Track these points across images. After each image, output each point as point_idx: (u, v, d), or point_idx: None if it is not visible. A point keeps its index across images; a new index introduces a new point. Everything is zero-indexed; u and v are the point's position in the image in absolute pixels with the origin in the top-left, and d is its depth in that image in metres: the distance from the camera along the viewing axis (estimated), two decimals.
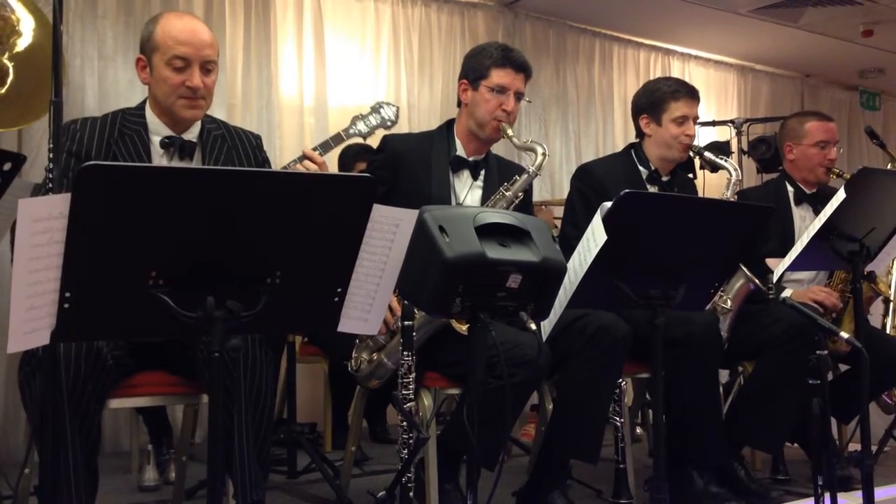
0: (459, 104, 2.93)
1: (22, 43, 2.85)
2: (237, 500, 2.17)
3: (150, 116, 2.44)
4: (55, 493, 2.03)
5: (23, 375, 2.15)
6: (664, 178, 3.23)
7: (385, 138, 2.93)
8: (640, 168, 3.22)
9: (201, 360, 2.23)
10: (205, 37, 2.40)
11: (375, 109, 2.89)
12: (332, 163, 4.46)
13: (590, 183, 3.10)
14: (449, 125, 2.96)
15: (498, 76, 2.82)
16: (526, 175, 2.81)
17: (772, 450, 3.31)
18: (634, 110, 3.28)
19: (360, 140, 2.93)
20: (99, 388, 2.15)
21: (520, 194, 2.80)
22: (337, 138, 2.80)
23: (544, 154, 2.81)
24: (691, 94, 3.21)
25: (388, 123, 2.89)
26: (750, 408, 3.13)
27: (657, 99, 3.19)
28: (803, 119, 3.64)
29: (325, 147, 2.76)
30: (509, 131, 2.84)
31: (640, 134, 3.27)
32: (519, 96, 2.86)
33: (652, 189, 3.18)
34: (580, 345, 2.69)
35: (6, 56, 2.79)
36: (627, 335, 2.71)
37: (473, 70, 2.87)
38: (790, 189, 3.57)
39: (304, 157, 2.59)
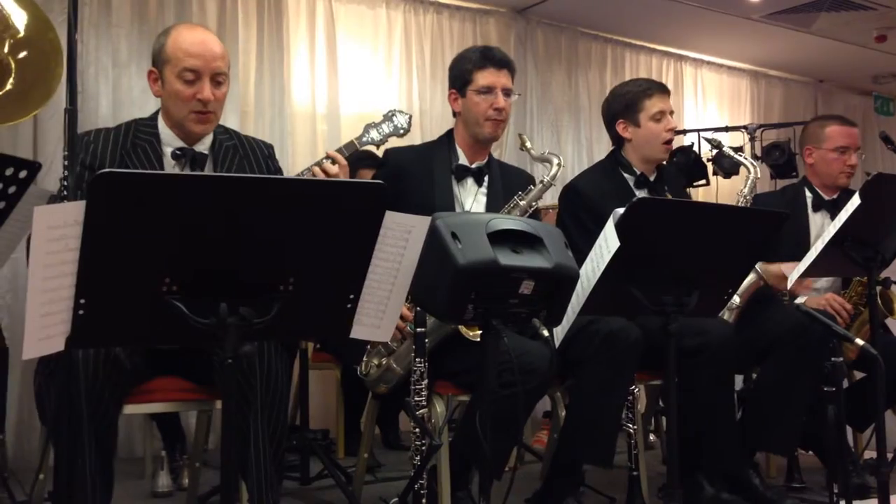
0: (455, 114, 2.95)
1: (17, 37, 2.86)
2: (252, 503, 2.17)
3: (163, 127, 2.46)
4: (70, 497, 2.03)
5: (40, 379, 2.16)
6: (652, 179, 3.19)
7: (387, 152, 2.95)
8: (626, 175, 3.17)
9: (217, 364, 2.24)
10: (215, 49, 2.41)
11: (388, 117, 2.90)
12: None
13: (579, 202, 3.06)
14: (449, 134, 2.98)
15: (482, 77, 2.84)
16: (541, 185, 2.84)
17: (785, 451, 3.29)
18: (608, 118, 3.24)
19: (372, 147, 2.94)
20: (117, 393, 2.16)
21: (534, 204, 2.82)
22: (350, 146, 2.81)
23: (559, 165, 2.86)
24: (662, 89, 3.19)
25: (401, 131, 2.89)
26: (761, 409, 3.11)
27: (630, 101, 3.16)
28: (825, 123, 3.59)
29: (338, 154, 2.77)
30: (528, 143, 2.90)
31: (617, 140, 3.23)
32: (507, 92, 2.86)
33: (641, 193, 3.13)
34: (592, 349, 2.68)
35: (6, 48, 2.79)
36: (638, 339, 2.70)
37: (458, 78, 2.90)
38: (808, 195, 3.54)
39: (328, 157, 2.59)
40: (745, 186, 3.20)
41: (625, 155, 3.20)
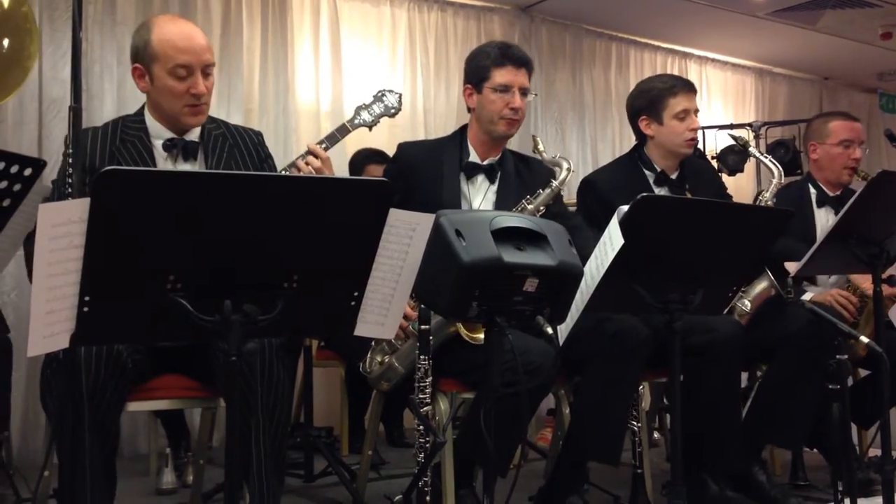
0: (469, 110, 2.91)
1: None
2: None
3: (150, 121, 2.45)
4: (74, 494, 2.04)
5: (46, 377, 2.17)
6: (673, 177, 3.18)
7: (400, 146, 2.93)
8: (647, 172, 3.15)
9: (219, 364, 2.24)
10: (202, 41, 2.41)
11: (378, 98, 2.87)
12: (341, 163, 4.50)
13: (595, 197, 3.04)
14: (462, 131, 2.94)
15: (499, 75, 2.80)
16: (549, 190, 2.80)
17: (791, 447, 3.28)
18: (631, 113, 3.22)
19: (364, 129, 2.91)
20: (118, 392, 2.16)
21: (541, 208, 2.78)
22: (342, 129, 2.79)
23: (569, 170, 2.83)
24: (688, 87, 3.16)
25: (392, 111, 2.86)
26: (768, 405, 3.10)
27: (654, 97, 3.13)
28: (828, 118, 3.62)
29: (331, 140, 2.76)
30: (541, 146, 2.86)
31: (640, 136, 3.21)
32: (524, 92, 2.83)
33: (661, 191, 3.12)
34: (600, 347, 2.67)
35: None
36: (648, 337, 2.68)
37: (474, 73, 2.85)
38: (813, 191, 3.54)
39: (309, 152, 2.60)
40: (767, 191, 3.18)
41: (646, 151, 3.18)
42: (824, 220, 3.50)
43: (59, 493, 2.06)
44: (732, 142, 5.31)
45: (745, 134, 5.41)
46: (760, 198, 3.22)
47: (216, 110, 4.42)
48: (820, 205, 3.52)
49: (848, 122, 3.56)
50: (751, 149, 3.33)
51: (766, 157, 3.29)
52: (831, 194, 3.53)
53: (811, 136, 3.61)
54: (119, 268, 1.49)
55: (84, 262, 1.45)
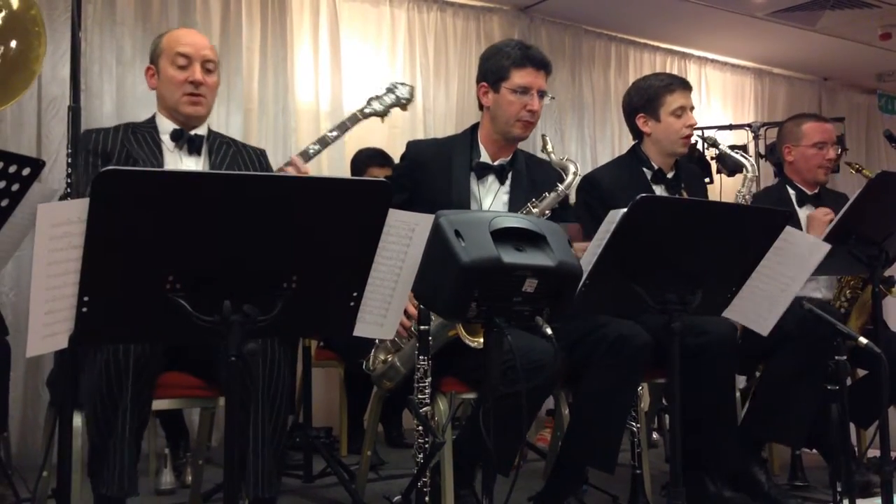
0: (482, 107, 2.88)
1: (4, 14, 2.81)
2: (249, 495, 2.19)
3: (160, 119, 2.65)
4: (103, 469, 2.13)
5: (73, 355, 2.22)
6: (669, 176, 3.18)
7: (408, 144, 2.91)
8: (644, 170, 3.16)
9: (219, 363, 2.25)
10: (204, 41, 2.69)
11: (391, 90, 2.89)
12: (342, 164, 4.50)
13: (596, 194, 3.04)
14: (473, 129, 2.90)
15: (519, 77, 2.76)
16: (555, 194, 2.77)
17: (792, 442, 3.28)
18: (628, 111, 3.23)
19: (377, 119, 2.92)
20: (156, 368, 2.24)
21: (547, 212, 2.76)
22: (353, 118, 2.82)
23: (575, 174, 2.80)
24: (684, 84, 3.18)
25: (403, 101, 2.89)
26: (768, 402, 3.11)
27: (651, 95, 3.15)
28: (800, 121, 3.68)
29: (341, 128, 2.78)
30: (549, 147, 2.83)
31: (637, 134, 3.22)
32: (542, 94, 2.79)
33: (658, 189, 3.14)
34: (600, 354, 2.65)
35: None
36: (648, 344, 2.66)
37: (492, 72, 2.80)
38: (791, 192, 3.59)
39: (290, 163, 2.69)
40: (743, 186, 3.21)
41: (644, 149, 3.20)
42: (806, 218, 3.54)
43: (59, 491, 2.07)
44: (733, 142, 5.34)
45: (745, 134, 5.44)
46: (738, 194, 3.25)
47: (216, 109, 4.43)
48: (801, 204, 3.57)
49: (820, 123, 3.64)
50: (720, 146, 3.36)
51: (737, 153, 3.32)
52: (809, 193, 3.59)
53: (785, 139, 3.67)
54: (118, 268, 1.49)
55: (83, 262, 1.45)
